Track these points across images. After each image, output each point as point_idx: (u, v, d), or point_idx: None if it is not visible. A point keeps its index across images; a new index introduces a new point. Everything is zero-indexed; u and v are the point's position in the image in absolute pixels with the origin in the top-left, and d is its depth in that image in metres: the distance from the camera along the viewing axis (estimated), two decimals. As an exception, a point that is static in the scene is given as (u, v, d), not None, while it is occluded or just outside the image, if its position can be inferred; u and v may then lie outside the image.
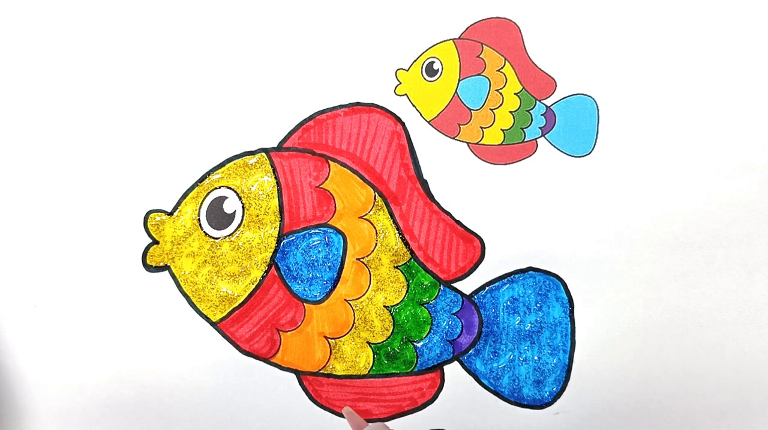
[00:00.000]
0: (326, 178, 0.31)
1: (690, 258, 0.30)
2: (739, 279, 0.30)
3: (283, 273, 0.31)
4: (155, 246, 0.31)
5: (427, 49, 0.32)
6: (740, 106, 0.31)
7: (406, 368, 0.31)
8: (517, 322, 0.31)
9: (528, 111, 0.32)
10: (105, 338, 0.31)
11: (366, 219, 0.31)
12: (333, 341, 0.30)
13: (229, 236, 0.31)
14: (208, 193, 0.31)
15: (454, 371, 0.31)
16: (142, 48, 0.32)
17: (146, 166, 0.31)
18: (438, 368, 0.31)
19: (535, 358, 0.31)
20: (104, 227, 0.31)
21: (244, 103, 0.32)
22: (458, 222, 0.31)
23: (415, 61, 0.32)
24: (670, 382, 0.30)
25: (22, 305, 0.31)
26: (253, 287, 0.31)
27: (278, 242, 0.31)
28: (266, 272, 0.31)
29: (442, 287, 0.31)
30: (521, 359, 0.31)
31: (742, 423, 0.30)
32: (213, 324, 0.30)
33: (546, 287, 0.31)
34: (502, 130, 0.32)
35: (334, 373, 0.30)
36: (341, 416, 0.30)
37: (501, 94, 0.32)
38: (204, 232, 0.31)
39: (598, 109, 0.32)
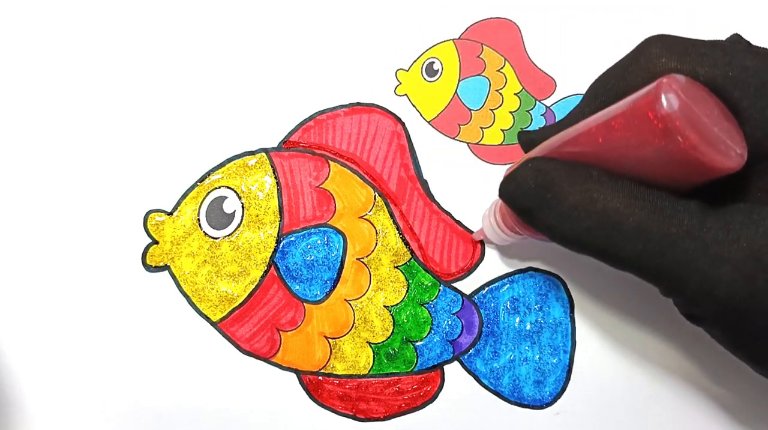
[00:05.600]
0: (326, 178, 0.31)
1: (690, 258, 0.30)
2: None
3: (282, 273, 0.31)
4: (155, 246, 0.31)
5: (427, 50, 0.32)
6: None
7: (406, 368, 0.30)
8: (517, 322, 0.31)
9: (528, 111, 0.32)
10: (104, 337, 0.31)
11: (366, 219, 0.31)
12: (333, 340, 0.30)
13: (228, 235, 0.31)
14: (208, 193, 0.31)
15: (454, 371, 0.31)
16: (142, 48, 0.32)
17: (146, 166, 0.31)
18: (438, 368, 0.31)
19: (536, 358, 0.30)
20: (103, 227, 0.31)
21: (244, 103, 0.32)
22: (458, 222, 0.31)
23: (415, 61, 0.32)
24: (671, 382, 0.30)
25: (21, 305, 0.31)
26: (253, 286, 0.31)
27: (278, 241, 0.31)
28: (266, 272, 0.31)
29: (442, 287, 0.31)
30: (522, 359, 0.31)
31: (744, 424, 0.30)
32: (213, 324, 0.30)
33: (546, 287, 0.31)
34: (502, 130, 0.32)
35: (335, 373, 0.30)
36: (341, 415, 0.30)
37: (501, 94, 0.32)
38: (204, 232, 0.31)
39: (597, 110, 0.32)
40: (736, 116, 0.19)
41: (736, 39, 0.21)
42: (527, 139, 0.24)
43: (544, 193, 0.20)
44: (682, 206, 0.19)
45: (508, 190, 0.21)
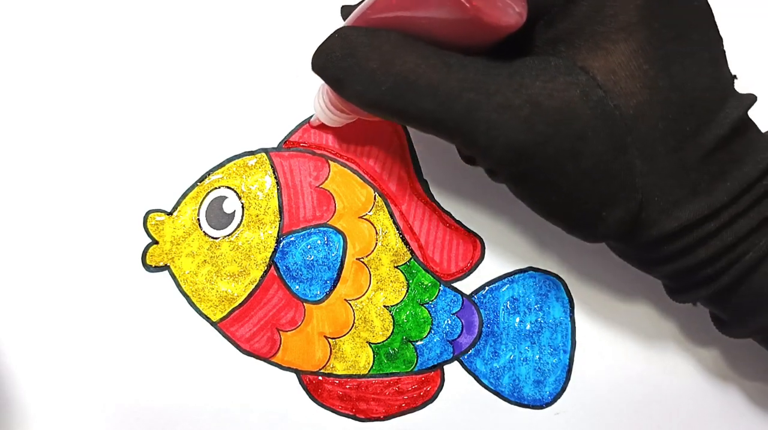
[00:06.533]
0: (326, 178, 0.31)
1: (690, 258, 0.30)
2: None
3: (282, 273, 0.31)
4: (155, 246, 0.31)
5: (427, 49, 0.32)
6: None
7: (406, 367, 0.30)
8: (517, 322, 0.31)
9: (528, 111, 0.32)
10: (104, 337, 0.31)
11: (366, 219, 0.31)
12: (333, 340, 0.30)
13: (228, 235, 0.31)
14: (208, 193, 0.31)
15: (454, 371, 0.31)
16: (142, 48, 0.32)
17: (146, 166, 0.31)
18: (438, 367, 0.31)
19: (536, 358, 0.31)
20: (103, 227, 0.31)
21: (244, 103, 0.32)
22: (458, 222, 0.31)
23: (415, 61, 0.32)
24: (671, 382, 0.30)
25: (21, 305, 0.31)
26: (253, 286, 0.31)
27: (278, 241, 0.31)
28: (266, 271, 0.31)
29: (442, 287, 0.31)
30: (521, 359, 0.31)
31: (744, 423, 0.30)
32: (213, 324, 0.30)
33: (546, 287, 0.31)
34: (502, 130, 0.32)
35: (335, 373, 0.30)
36: (341, 415, 0.30)
37: (501, 94, 0.32)
38: (203, 232, 0.31)
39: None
40: None
41: None
42: (346, 13, 0.25)
43: (349, 61, 0.20)
44: (468, 62, 0.20)
45: (318, 62, 0.22)
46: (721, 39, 0.21)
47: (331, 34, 0.22)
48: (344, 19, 0.26)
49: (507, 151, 0.19)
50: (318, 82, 0.26)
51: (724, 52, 0.21)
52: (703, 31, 0.21)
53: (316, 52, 0.22)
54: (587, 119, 0.19)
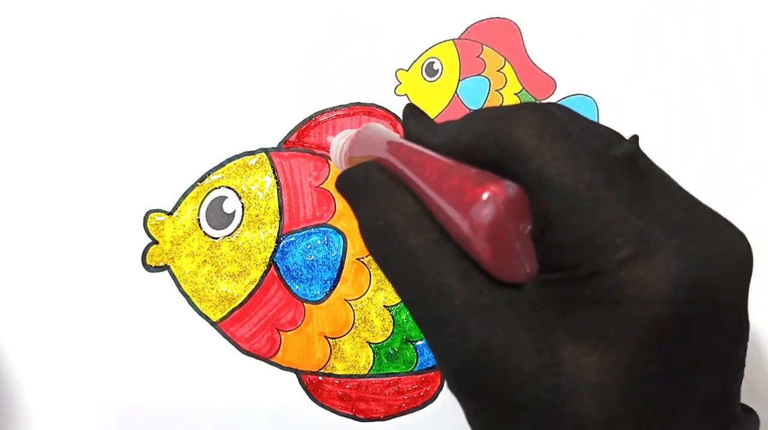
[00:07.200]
0: (326, 178, 0.31)
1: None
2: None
3: (282, 273, 0.31)
4: (155, 246, 0.31)
5: (426, 50, 0.32)
6: (745, 106, 0.31)
7: (406, 367, 0.31)
8: (517, 322, 0.31)
9: (528, 111, 0.32)
10: (104, 337, 0.31)
11: (366, 219, 0.31)
12: (333, 340, 0.30)
13: (228, 235, 0.31)
14: (208, 193, 0.31)
15: (454, 371, 0.31)
16: (142, 47, 0.32)
17: (146, 166, 0.31)
18: (438, 368, 0.31)
19: (535, 358, 0.30)
20: (103, 227, 0.31)
21: (244, 103, 0.32)
22: (458, 222, 0.31)
23: (415, 61, 0.32)
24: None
25: (21, 305, 0.31)
26: (253, 286, 0.31)
27: (278, 241, 0.31)
28: (266, 271, 0.31)
29: (442, 287, 0.31)
30: (521, 359, 0.31)
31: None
32: (213, 324, 0.30)
33: (546, 287, 0.31)
34: (502, 130, 0.32)
35: (335, 373, 0.30)
36: (341, 415, 0.30)
37: (501, 94, 0.32)
38: (203, 232, 0.31)
39: (597, 110, 0.32)
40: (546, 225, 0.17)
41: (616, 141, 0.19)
42: (410, 116, 0.22)
43: (369, 211, 0.19)
44: (459, 267, 0.18)
45: (341, 182, 0.21)
46: (741, 376, 0.18)
47: (363, 164, 0.21)
48: (404, 117, 0.23)
49: (447, 373, 0.18)
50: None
51: (738, 392, 0.18)
52: (716, 367, 0.17)
53: (344, 173, 0.22)
54: (533, 393, 0.16)
